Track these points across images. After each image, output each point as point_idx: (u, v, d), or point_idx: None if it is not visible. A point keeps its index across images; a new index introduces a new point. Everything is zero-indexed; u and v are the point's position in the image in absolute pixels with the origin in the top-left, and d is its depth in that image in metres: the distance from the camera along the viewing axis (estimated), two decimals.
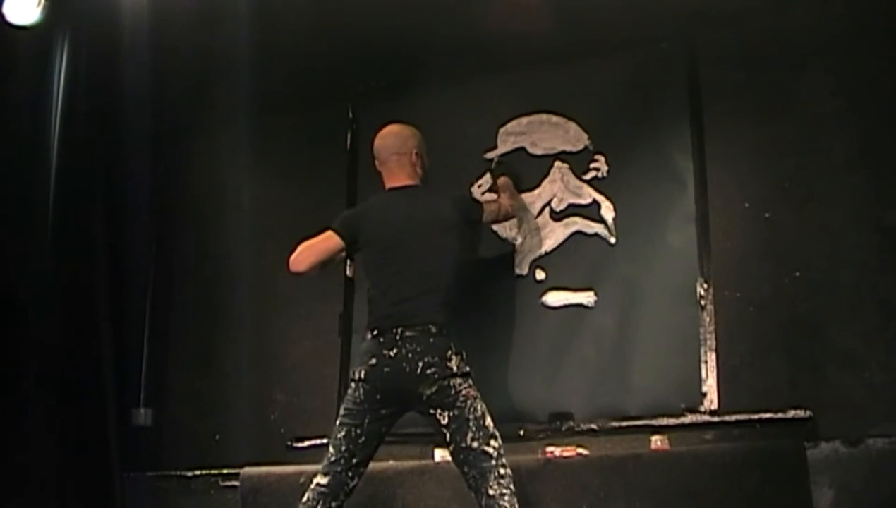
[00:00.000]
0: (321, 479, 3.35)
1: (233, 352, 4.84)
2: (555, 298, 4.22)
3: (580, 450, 3.80)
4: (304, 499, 3.36)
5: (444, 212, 3.58)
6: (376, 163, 3.76)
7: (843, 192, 3.86)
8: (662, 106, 4.21)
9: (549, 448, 3.82)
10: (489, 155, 4.45)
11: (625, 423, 3.98)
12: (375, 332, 3.41)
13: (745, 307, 3.92)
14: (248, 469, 4.19)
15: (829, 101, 3.93)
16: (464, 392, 3.31)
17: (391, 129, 3.77)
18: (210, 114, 5.14)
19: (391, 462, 3.90)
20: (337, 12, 4.53)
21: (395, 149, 3.70)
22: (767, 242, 3.95)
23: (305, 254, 3.60)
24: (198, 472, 4.64)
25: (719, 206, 4.04)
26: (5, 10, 4.47)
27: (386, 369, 3.33)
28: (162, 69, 4.93)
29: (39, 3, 4.50)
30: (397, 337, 3.35)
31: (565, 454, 3.76)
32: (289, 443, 4.57)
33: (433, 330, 3.36)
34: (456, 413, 3.29)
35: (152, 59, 4.82)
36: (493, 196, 4.22)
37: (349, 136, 4.81)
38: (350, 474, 3.34)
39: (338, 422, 3.40)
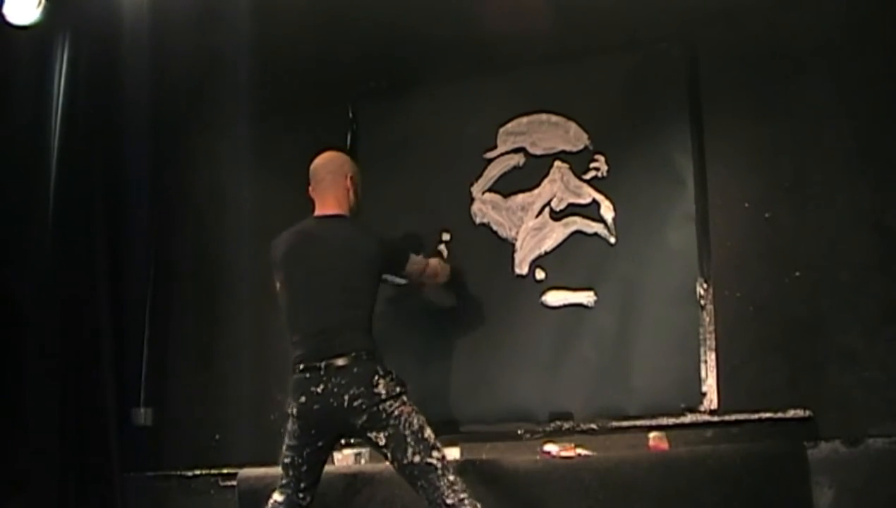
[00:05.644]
0: (278, 496, 3.44)
1: (233, 352, 4.83)
2: (555, 298, 4.21)
3: (579, 450, 3.79)
4: None
5: (366, 248, 3.53)
6: (310, 187, 3.70)
7: (843, 192, 3.85)
8: (662, 106, 4.20)
9: (547, 448, 3.82)
10: (489, 154, 4.46)
11: (625, 423, 3.98)
12: (302, 367, 3.40)
13: (745, 307, 3.92)
14: (245, 471, 4.19)
15: (829, 101, 3.93)
16: (396, 412, 3.30)
17: (329, 154, 3.76)
18: (210, 115, 5.13)
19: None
20: (337, 12, 4.53)
21: (330, 168, 3.68)
22: (767, 242, 3.94)
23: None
24: (198, 472, 4.65)
25: (719, 206, 4.04)
26: (5, 10, 4.47)
27: (315, 406, 3.34)
28: (162, 69, 4.93)
29: (39, 3, 4.50)
30: (322, 371, 3.34)
31: (563, 453, 3.76)
32: None
33: (360, 357, 3.35)
34: (391, 431, 3.28)
35: (152, 59, 4.83)
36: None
37: (349, 136, 4.80)
38: (301, 495, 3.42)
39: (283, 448, 3.45)
